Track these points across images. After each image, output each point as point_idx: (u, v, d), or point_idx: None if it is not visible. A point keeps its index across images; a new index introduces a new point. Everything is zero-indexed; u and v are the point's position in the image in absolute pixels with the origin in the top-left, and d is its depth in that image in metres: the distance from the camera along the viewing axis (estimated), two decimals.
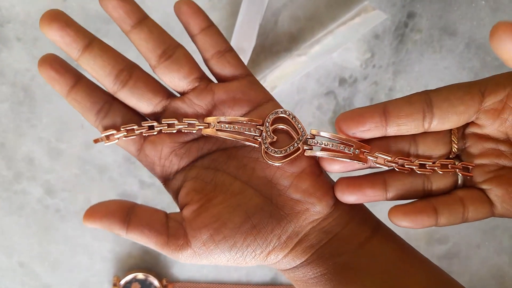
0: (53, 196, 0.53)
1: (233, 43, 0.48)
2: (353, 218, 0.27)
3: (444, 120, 0.24)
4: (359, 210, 0.28)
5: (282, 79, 0.50)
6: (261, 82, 0.50)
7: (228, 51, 0.27)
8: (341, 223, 0.26)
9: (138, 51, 0.27)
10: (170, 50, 0.27)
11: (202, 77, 0.27)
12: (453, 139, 0.25)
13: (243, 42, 0.48)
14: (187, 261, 0.25)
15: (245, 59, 0.48)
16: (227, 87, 0.27)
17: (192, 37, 0.27)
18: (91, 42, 0.26)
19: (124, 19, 0.26)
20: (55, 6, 0.48)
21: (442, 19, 0.51)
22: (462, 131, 0.26)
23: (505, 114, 0.24)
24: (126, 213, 0.25)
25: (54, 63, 0.26)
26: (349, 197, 0.26)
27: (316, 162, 0.27)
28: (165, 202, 0.54)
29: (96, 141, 0.27)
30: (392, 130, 0.25)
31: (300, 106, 0.53)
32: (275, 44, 0.51)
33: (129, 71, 0.26)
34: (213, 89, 0.27)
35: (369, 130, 0.25)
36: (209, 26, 0.27)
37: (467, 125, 0.26)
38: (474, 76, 0.52)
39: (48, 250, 0.55)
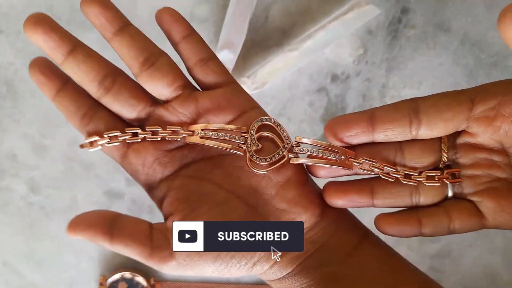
0: (37, 193, 0.52)
1: (222, 37, 0.47)
2: (340, 227, 0.27)
3: (432, 127, 0.24)
4: (346, 219, 0.27)
5: (273, 75, 0.49)
6: (252, 78, 0.49)
7: (211, 59, 0.27)
8: (328, 232, 0.26)
9: (121, 58, 0.26)
10: (153, 58, 0.26)
11: (186, 85, 0.27)
12: (442, 147, 0.25)
13: (233, 36, 0.47)
14: (172, 272, 0.25)
15: (235, 54, 0.47)
16: (211, 95, 0.27)
17: (174, 45, 0.27)
18: (75, 47, 0.25)
19: (106, 26, 0.25)
20: None
21: (436, 15, 0.50)
22: (453, 140, 0.25)
23: (498, 122, 0.24)
24: (109, 224, 0.24)
25: (43, 66, 0.26)
26: (336, 202, 0.26)
27: (302, 170, 0.27)
28: None
29: (81, 146, 0.27)
30: (379, 136, 0.25)
31: (291, 103, 0.52)
32: (266, 39, 0.50)
33: (113, 77, 0.26)
34: (197, 97, 0.27)
35: (355, 135, 0.25)
36: (191, 33, 0.27)
37: (458, 134, 0.25)
38: (468, 73, 0.52)
39: (33, 248, 0.54)
